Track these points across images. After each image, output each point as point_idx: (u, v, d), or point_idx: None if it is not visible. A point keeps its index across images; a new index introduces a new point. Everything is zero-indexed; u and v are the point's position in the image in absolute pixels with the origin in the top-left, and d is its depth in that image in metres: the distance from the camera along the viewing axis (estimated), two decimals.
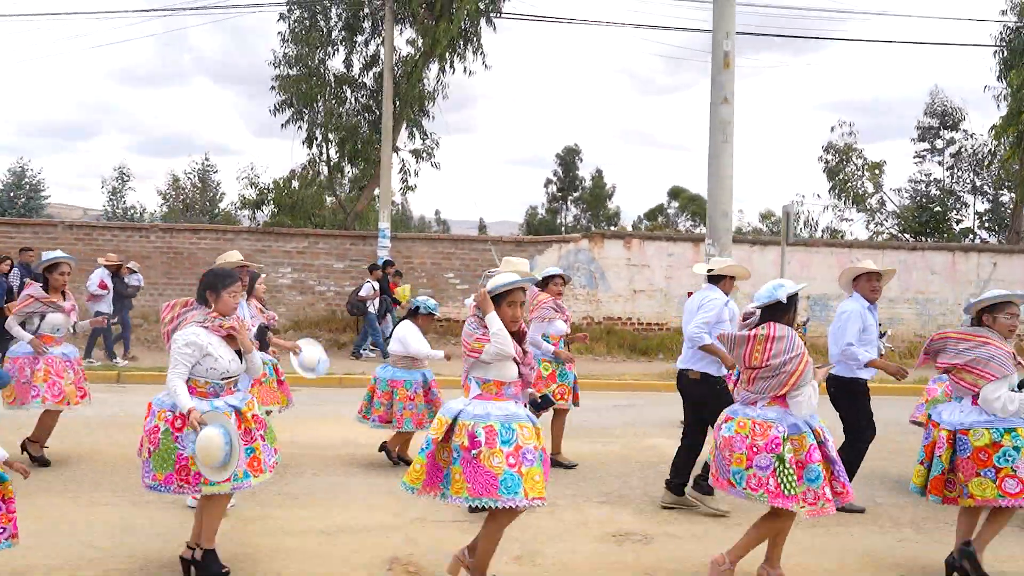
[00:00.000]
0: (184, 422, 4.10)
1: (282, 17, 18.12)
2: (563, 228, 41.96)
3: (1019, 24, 20.44)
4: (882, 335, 6.46)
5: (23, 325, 6.67)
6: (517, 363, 4.08)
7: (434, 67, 17.92)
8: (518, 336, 4.16)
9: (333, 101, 18.49)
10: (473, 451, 3.86)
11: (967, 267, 18.31)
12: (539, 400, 4.77)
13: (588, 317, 17.16)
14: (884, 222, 27.09)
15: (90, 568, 4.45)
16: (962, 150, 26.18)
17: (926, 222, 25.58)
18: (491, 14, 17.47)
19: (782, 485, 4.14)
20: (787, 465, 4.16)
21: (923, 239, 24.97)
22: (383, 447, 7.18)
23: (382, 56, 17.40)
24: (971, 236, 26.37)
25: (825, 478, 4.23)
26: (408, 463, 6.25)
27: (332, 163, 19.03)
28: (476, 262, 17.08)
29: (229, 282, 4.33)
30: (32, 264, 12.22)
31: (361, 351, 14.71)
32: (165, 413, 4.16)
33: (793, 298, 4.41)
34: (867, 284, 6.05)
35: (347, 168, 19.36)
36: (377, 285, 14.68)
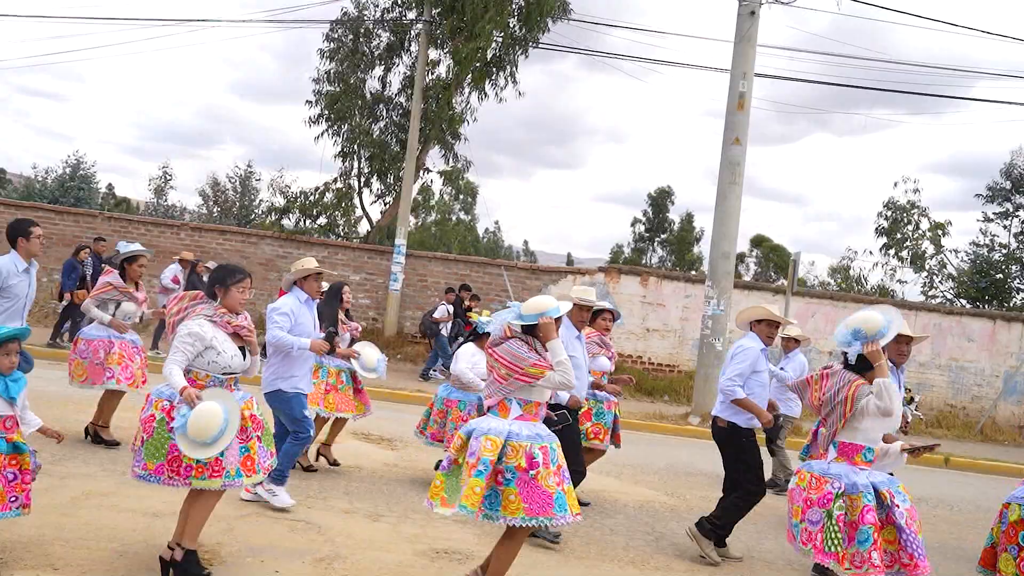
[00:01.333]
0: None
1: (326, 38, 18.76)
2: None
3: None
4: (910, 401, 6.16)
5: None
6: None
7: (467, 89, 18.17)
8: None
9: (368, 119, 18.95)
10: (531, 471, 3.94)
11: (1008, 337, 17.29)
12: (555, 418, 4.97)
13: None
14: (939, 284, 25.82)
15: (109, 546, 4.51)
16: None
17: (985, 288, 24.26)
18: (529, 42, 17.62)
19: (826, 541, 4.12)
20: (834, 522, 4.13)
21: (980, 307, 23.71)
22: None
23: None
24: None
25: (875, 542, 4.07)
26: None
27: (363, 177, 19.45)
28: (489, 285, 17.10)
29: (238, 278, 4.37)
30: (103, 254, 12.88)
31: (430, 373, 14.47)
32: (162, 403, 4.14)
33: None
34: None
35: (375, 183, 19.71)
36: (451, 308, 14.66)
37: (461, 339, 6.87)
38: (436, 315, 14.57)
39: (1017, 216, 25.33)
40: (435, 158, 19.51)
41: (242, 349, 4.36)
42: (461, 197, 50.70)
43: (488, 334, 6.38)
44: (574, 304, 5.70)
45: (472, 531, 5.71)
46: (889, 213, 27.79)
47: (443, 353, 14.35)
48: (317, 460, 7.15)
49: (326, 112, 19.00)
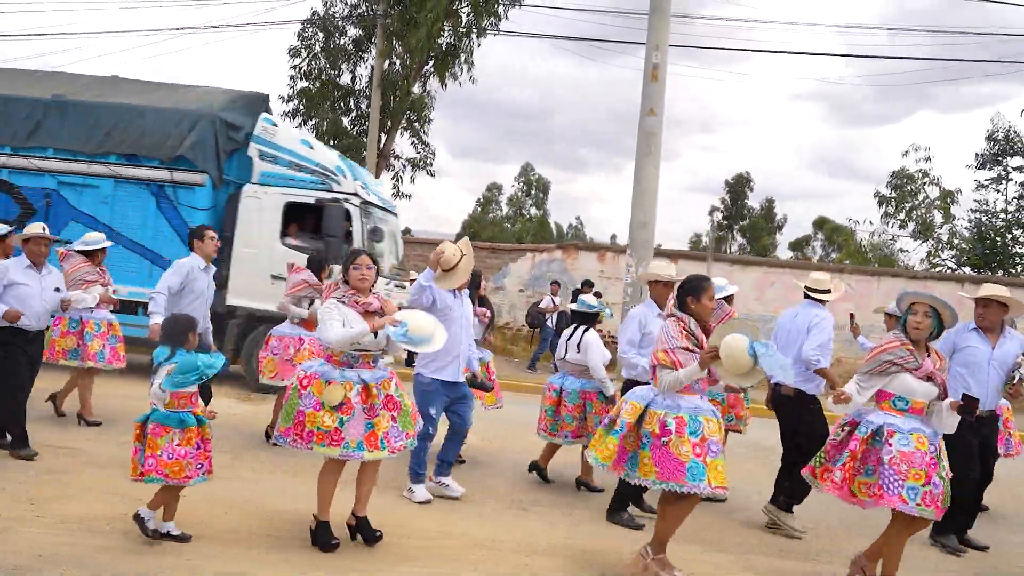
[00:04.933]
0: (310, 382, 4.37)
1: (298, 36, 19.73)
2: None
3: None
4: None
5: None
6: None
7: (426, 78, 18.91)
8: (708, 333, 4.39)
9: (339, 111, 19.86)
10: (663, 439, 4.16)
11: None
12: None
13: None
14: (941, 253, 25.25)
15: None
16: None
17: (986, 255, 23.64)
18: (479, 32, 18.20)
19: (815, 458, 4.73)
20: (824, 444, 4.76)
21: (985, 272, 23.14)
22: (534, 466, 6.77)
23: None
24: None
25: (844, 465, 4.50)
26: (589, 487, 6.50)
27: None
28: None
29: (351, 259, 4.57)
30: None
31: (537, 364, 14.86)
32: (300, 374, 4.48)
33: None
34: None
35: None
36: (558, 299, 15.15)
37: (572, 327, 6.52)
38: (542, 305, 15.02)
39: (1011, 180, 24.59)
40: (402, 146, 20.29)
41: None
42: (533, 192, 51.16)
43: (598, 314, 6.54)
44: (652, 280, 5.83)
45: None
46: (896, 182, 27.31)
47: (549, 346, 14.54)
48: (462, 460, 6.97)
49: (301, 108, 19.98)
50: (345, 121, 20.02)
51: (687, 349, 4.24)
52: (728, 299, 5.90)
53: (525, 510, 5.83)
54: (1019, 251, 23.93)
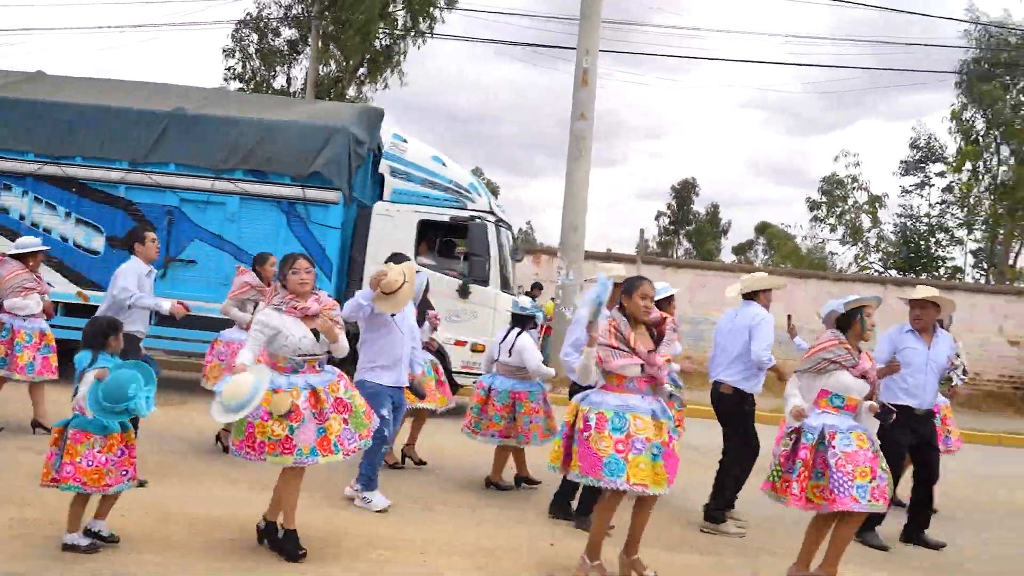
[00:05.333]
0: (265, 399, 4.28)
1: (232, 37, 19.44)
2: None
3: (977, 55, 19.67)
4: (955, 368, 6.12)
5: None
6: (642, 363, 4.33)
7: (361, 80, 18.83)
8: (658, 334, 4.46)
9: None
10: (585, 433, 4.23)
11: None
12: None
13: None
14: (868, 255, 26.12)
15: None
16: (953, 185, 25.04)
17: (911, 258, 24.50)
18: (417, 33, 18.20)
19: (770, 474, 4.68)
20: (776, 457, 4.68)
21: (909, 275, 23.95)
22: (489, 483, 6.53)
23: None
24: (959, 275, 25.07)
25: (799, 475, 4.49)
26: (529, 482, 6.51)
27: None
28: None
29: (290, 263, 4.51)
30: None
31: None
32: None
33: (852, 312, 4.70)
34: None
35: None
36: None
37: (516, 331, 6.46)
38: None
39: (932, 185, 25.58)
40: None
41: (316, 333, 4.46)
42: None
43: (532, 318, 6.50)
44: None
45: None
46: (826, 187, 28.14)
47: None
48: (403, 461, 6.90)
49: None
50: None
51: (611, 347, 4.29)
52: (669, 300, 5.90)
53: (473, 511, 5.79)
54: (941, 254, 24.86)
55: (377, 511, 5.44)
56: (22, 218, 10.12)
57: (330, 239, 9.71)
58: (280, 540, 4.47)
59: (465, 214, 10.06)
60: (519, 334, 6.40)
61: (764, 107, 57.27)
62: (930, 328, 5.88)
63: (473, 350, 9.91)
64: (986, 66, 19.98)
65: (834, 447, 4.39)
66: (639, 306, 4.36)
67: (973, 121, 20.08)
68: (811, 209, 27.20)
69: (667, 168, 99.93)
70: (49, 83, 10.76)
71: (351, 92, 19.01)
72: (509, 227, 11.39)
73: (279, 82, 19.90)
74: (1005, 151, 21.88)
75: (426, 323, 6.84)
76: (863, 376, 4.59)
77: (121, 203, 9.85)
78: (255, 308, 6.75)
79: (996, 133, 19.83)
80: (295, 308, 4.42)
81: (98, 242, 9.84)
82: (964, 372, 5.93)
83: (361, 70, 18.80)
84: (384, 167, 10.31)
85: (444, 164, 10.45)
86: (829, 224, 27.18)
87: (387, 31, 17.76)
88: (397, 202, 10.12)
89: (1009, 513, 7.42)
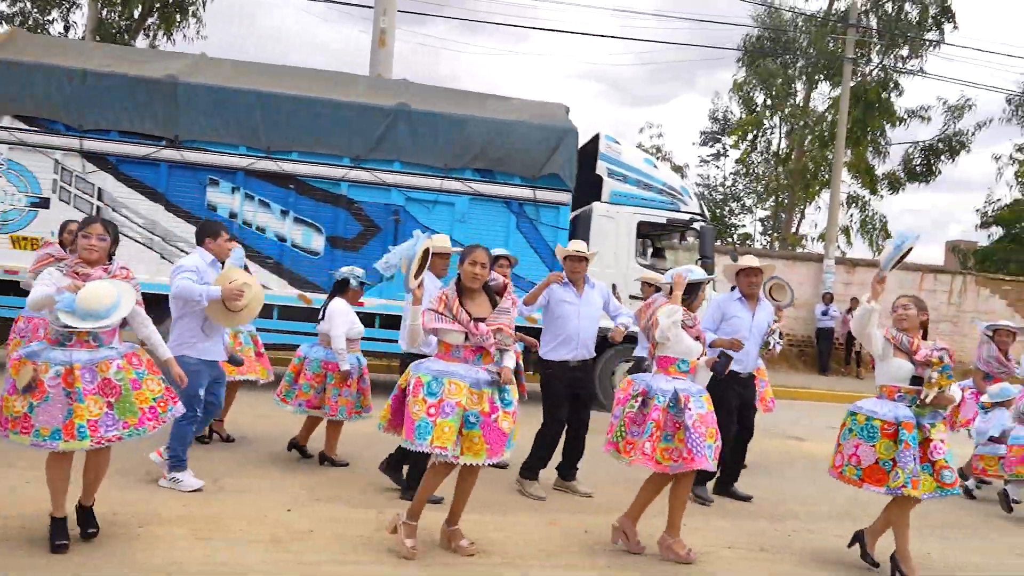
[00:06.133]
0: (14, 364, 3.95)
1: None
2: None
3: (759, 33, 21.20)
4: (773, 333, 6.23)
5: None
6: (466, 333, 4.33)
7: (152, 31, 17.60)
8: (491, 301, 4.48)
9: None
10: (409, 399, 4.26)
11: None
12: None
13: None
14: None
15: None
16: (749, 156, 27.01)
17: None
18: None
19: (613, 433, 4.71)
20: (622, 419, 4.68)
21: None
22: (293, 444, 6.42)
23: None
24: (749, 242, 27.18)
25: (651, 435, 4.55)
26: (334, 463, 6.21)
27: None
28: None
29: (84, 227, 4.16)
30: None
31: None
32: (14, 354, 4.05)
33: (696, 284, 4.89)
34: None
35: None
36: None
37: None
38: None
39: (727, 156, 27.51)
40: None
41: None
42: None
43: (350, 284, 6.24)
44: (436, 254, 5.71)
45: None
46: None
47: None
48: (210, 436, 6.66)
49: None
50: None
51: (435, 311, 4.32)
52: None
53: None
54: (734, 222, 26.78)
55: (188, 491, 5.19)
56: (232, 216, 9.21)
57: (559, 240, 9.61)
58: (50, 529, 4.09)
59: (683, 216, 10.29)
60: (330, 300, 6.25)
61: (599, 79, 59.05)
62: (756, 295, 6.18)
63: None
64: (767, 43, 21.58)
65: (690, 409, 4.52)
66: (467, 272, 4.39)
67: (752, 93, 21.65)
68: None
69: None
70: (234, 68, 9.99)
71: (140, 41, 17.73)
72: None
73: (56, 28, 18.22)
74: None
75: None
76: (696, 338, 4.76)
77: (343, 202, 9.49)
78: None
79: (770, 104, 21.45)
80: (76, 274, 4.08)
81: (318, 242, 9.49)
82: (780, 336, 6.39)
83: (151, 19, 17.55)
84: (601, 168, 10.26)
85: (655, 166, 10.67)
86: None
87: None
88: (616, 203, 10.18)
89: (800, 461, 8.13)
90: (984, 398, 7.12)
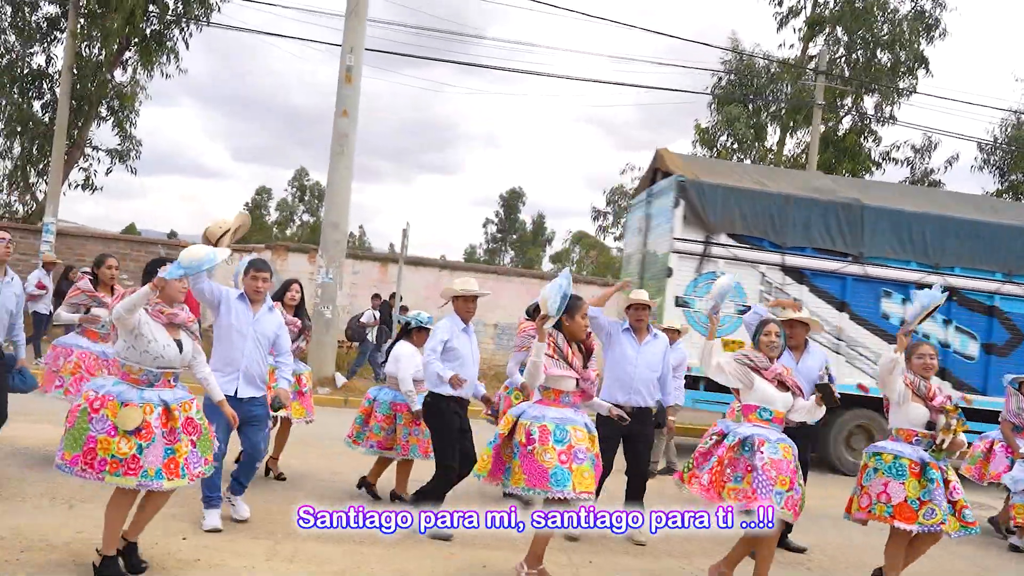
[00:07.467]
0: (103, 403, 3.93)
1: None
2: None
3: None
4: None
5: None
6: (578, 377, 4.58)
7: (130, 66, 17.95)
8: (586, 350, 4.69)
9: (30, 95, 18.25)
10: (528, 447, 4.37)
11: None
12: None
13: None
14: None
15: None
16: None
17: None
18: (191, 20, 17.56)
19: (685, 464, 4.96)
20: (693, 453, 4.95)
21: None
22: (363, 483, 6.52)
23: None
24: None
25: (711, 469, 4.78)
26: (403, 501, 6.16)
27: (31, 158, 18.70)
28: (137, 263, 17.00)
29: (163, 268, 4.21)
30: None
31: (354, 374, 14.40)
32: (89, 393, 4.00)
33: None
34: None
35: (29, 167, 18.88)
36: (378, 314, 14.75)
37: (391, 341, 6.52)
38: (363, 319, 14.69)
39: None
40: (102, 136, 19.06)
41: (179, 344, 4.18)
42: (306, 199, 49.34)
43: (426, 329, 6.22)
44: (457, 296, 5.79)
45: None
46: (612, 198, 29.86)
47: (363, 358, 14.75)
48: (267, 475, 6.83)
49: None
50: (37, 105, 18.38)
51: (551, 356, 4.52)
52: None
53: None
54: None
55: (206, 530, 5.17)
56: (902, 323, 9.89)
57: None
58: (98, 568, 4.12)
59: None
60: (396, 343, 6.40)
61: (596, 123, 60.00)
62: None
63: None
64: (733, 89, 21.99)
65: (762, 452, 4.60)
66: (580, 326, 4.60)
67: (717, 135, 21.95)
68: (594, 219, 28.70)
69: (504, 177, 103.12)
70: (899, 191, 11.99)
71: (119, 76, 18.05)
72: None
73: (38, 60, 18.55)
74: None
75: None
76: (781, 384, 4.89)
77: (993, 311, 10.79)
78: (87, 312, 6.54)
79: (736, 148, 21.80)
80: (161, 313, 4.15)
81: (973, 348, 10.81)
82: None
83: (129, 54, 17.87)
84: None
85: None
86: (612, 233, 28.81)
87: (157, 15, 16.99)
88: None
89: None
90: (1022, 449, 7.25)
